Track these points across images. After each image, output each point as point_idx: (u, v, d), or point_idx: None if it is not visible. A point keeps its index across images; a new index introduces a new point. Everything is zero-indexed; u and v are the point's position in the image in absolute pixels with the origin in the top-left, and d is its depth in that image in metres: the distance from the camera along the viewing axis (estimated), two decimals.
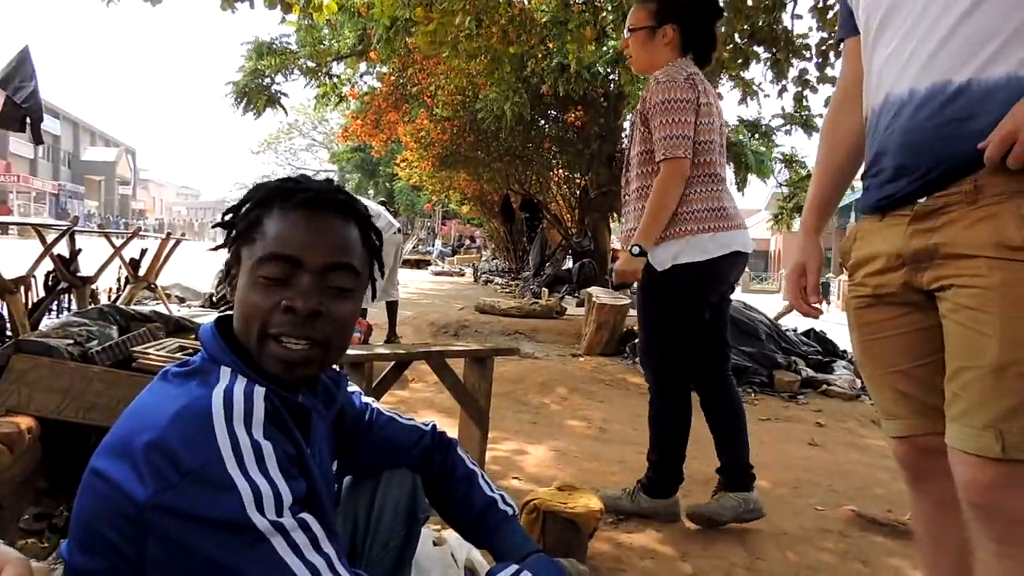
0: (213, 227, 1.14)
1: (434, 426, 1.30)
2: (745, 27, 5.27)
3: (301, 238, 0.93)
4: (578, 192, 13.12)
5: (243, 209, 0.99)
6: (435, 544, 1.80)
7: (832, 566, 2.21)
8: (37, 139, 6.08)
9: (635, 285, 2.51)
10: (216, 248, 1.04)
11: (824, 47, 5.49)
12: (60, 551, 0.95)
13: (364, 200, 5.54)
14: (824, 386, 5.28)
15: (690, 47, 2.31)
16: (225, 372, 0.91)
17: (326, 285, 0.94)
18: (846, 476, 3.21)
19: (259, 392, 0.89)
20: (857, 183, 1.40)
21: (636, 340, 6.21)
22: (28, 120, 5.67)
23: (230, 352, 0.93)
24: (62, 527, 2.04)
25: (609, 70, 8.40)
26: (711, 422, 2.44)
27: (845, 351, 5.99)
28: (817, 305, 1.41)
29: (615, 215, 14.21)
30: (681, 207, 2.23)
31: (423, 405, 4.05)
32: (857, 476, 3.20)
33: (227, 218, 1.01)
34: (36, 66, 5.72)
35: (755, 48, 5.57)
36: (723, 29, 5.36)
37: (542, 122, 11.77)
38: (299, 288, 0.92)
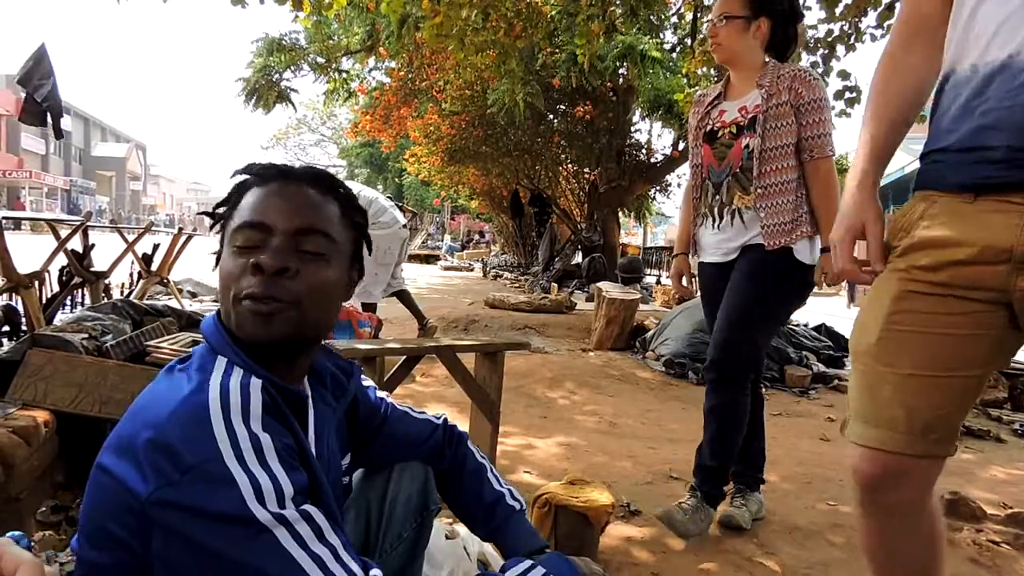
0: (200, 214, 1.15)
1: (445, 419, 1.30)
2: None
3: (273, 205, 0.94)
4: (587, 187, 13.10)
5: (229, 200, 1.00)
6: (448, 537, 1.81)
7: (844, 561, 2.20)
8: (58, 134, 6.15)
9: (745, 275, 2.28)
10: (211, 227, 1.04)
11: (831, 39, 5.46)
12: (71, 544, 0.96)
13: (374, 192, 5.49)
14: (835, 381, 5.26)
15: (772, 45, 2.30)
16: (221, 363, 0.91)
17: (298, 248, 0.93)
18: None
19: (256, 384, 0.89)
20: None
21: (646, 335, 6.23)
22: (49, 116, 5.75)
23: (230, 343, 0.93)
24: (78, 519, 2.06)
25: (618, 64, 8.36)
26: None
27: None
28: (880, 269, 1.17)
29: (624, 210, 14.21)
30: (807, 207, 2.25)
31: (434, 399, 4.06)
32: None
33: (218, 211, 1.01)
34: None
35: None
36: None
37: (551, 116, 11.76)
38: (270, 251, 0.92)
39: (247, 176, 0.99)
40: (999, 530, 2.46)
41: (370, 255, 1.08)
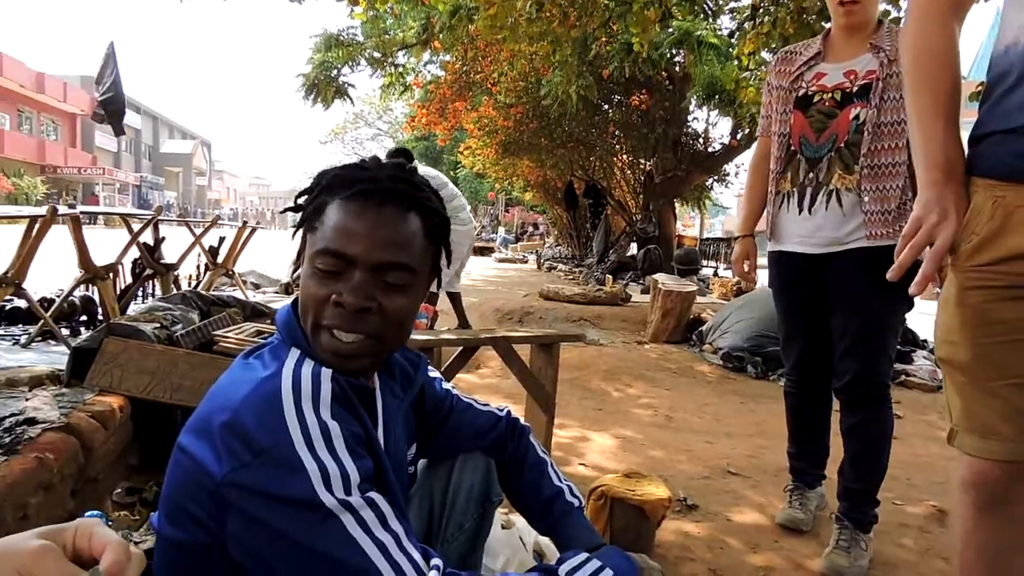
0: (283, 211, 1.17)
1: (508, 412, 1.31)
2: (817, 2, 5.08)
3: (356, 234, 0.93)
4: (642, 177, 12.93)
5: (311, 194, 1.00)
6: (504, 527, 1.82)
7: (911, 563, 2.13)
8: (118, 130, 6.40)
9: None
10: (293, 234, 1.05)
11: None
12: (151, 521, 1.01)
13: (452, 188, 5.50)
14: (903, 377, 5.08)
15: None
16: (294, 354, 0.94)
17: (380, 280, 0.94)
18: (925, 470, 3.09)
19: (326, 374, 0.92)
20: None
21: (703, 328, 6.13)
22: (111, 113, 6.00)
23: (301, 334, 0.97)
24: (151, 501, 2.15)
25: (674, 51, 8.20)
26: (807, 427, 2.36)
27: (926, 341, 5.73)
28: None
29: (681, 200, 13.97)
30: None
31: (489, 390, 4.09)
32: (937, 470, 3.07)
33: (298, 202, 1.03)
34: (120, 63, 6.04)
35: (824, 24, 5.36)
36: (792, 5, 5.18)
37: (605, 106, 11.64)
38: (350, 283, 0.93)
39: (329, 179, 0.99)
40: None
41: (448, 264, 1.09)
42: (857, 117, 1.99)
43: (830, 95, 2.04)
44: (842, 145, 2.02)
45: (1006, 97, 1.01)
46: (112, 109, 6.05)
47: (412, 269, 0.96)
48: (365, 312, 0.93)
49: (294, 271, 1.05)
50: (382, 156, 1.16)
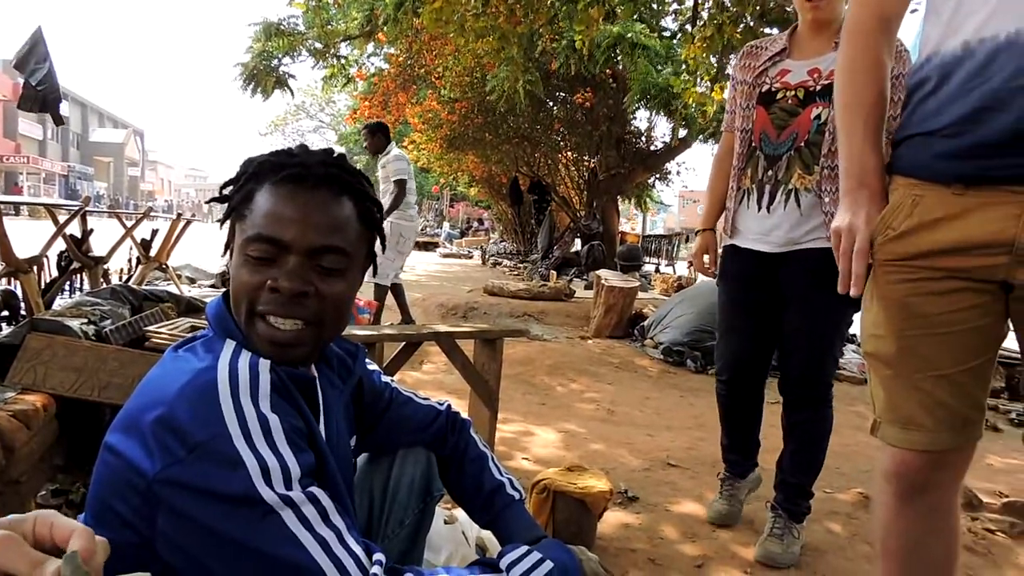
0: (208, 202, 1.13)
1: (449, 406, 1.31)
2: (756, 8, 5.21)
3: (288, 219, 0.91)
4: (587, 174, 13.07)
5: (237, 183, 0.97)
6: (446, 522, 1.81)
7: (840, 547, 2.22)
8: (57, 120, 6.10)
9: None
10: (221, 224, 1.01)
11: None
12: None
13: (403, 177, 5.44)
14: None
15: None
16: (230, 345, 0.91)
17: (315, 265, 0.92)
18: (853, 458, 3.22)
19: (264, 364, 0.89)
20: None
21: (644, 323, 6.24)
22: (46, 101, 5.71)
23: (235, 326, 0.94)
24: (78, 502, 2.07)
25: (611, 52, 8.29)
26: (748, 420, 2.34)
27: (854, 336, 5.96)
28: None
29: (624, 197, 14.18)
30: None
31: (433, 386, 4.07)
32: (864, 458, 3.21)
33: (224, 192, 0.99)
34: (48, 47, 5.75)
35: (765, 30, 5.51)
36: (734, 10, 5.31)
37: (551, 103, 11.71)
38: (285, 268, 0.90)
39: (257, 166, 0.96)
40: (995, 518, 2.48)
41: (383, 248, 1.08)
42: (819, 117, 1.97)
43: (793, 93, 2.01)
44: (802, 144, 1.99)
45: (924, 103, 1.06)
46: (50, 98, 5.75)
47: (347, 253, 0.94)
48: (302, 297, 0.91)
49: (226, 263, 1.01)
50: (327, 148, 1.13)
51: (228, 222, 0.98)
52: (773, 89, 2.04)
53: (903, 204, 1.09)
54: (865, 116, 1.14)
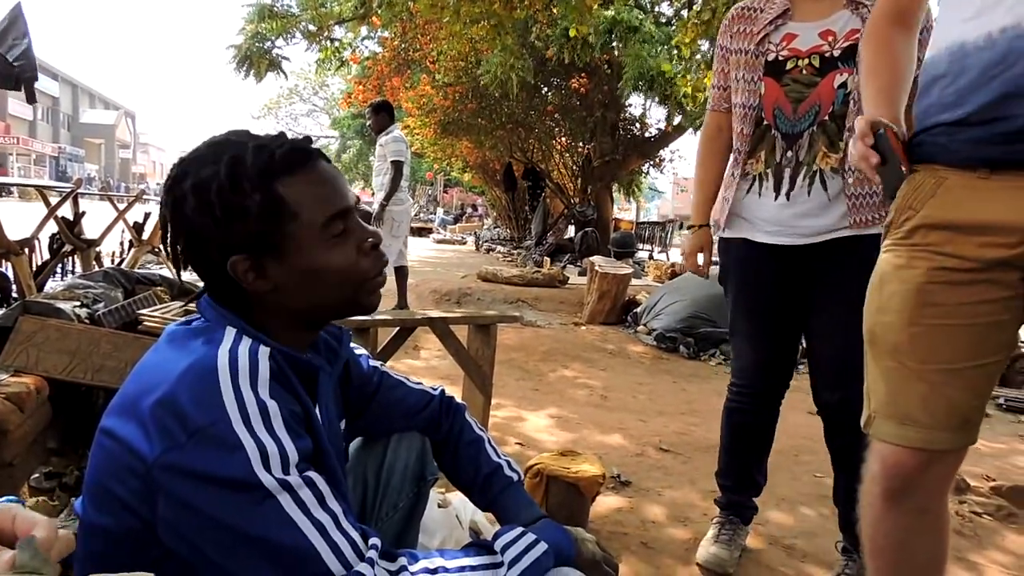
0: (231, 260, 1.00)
1: (442, 391, 1.31)
2: None
3: (332, 190, 0.95)
4: (581, 161, 13.04)
5: (248, 194, 0.89)
6: (440, 506, 1.83)
7: (829, 530, 2.24)
8: (30, 98, 6.01)
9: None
10: (252, 247, 0.91)
11: None
12: (74, 507, 0.96)
13: (400, 159, 5.44)
14: None
15: None
16: (230, 332, 0.91)
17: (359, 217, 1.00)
18: None
19: (264, 352, 0.89)
20: None
21: (637, 309, 6.26)
22: (21, 78, 5.62)
23: (232, 315, 0.93)
24: (72, 485, 2.07)
25: (608, 38, 8.24)
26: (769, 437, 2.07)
27: None
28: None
29: (618, 184, 14.16)
30: None
31: (427, 372, 4.08)
32: None
33: (208, 213, 0.89)
34: (32, 25, 5.65)
35: None
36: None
37: (545, 89, 11.65)
38: (359, 229, 0.97)
39: (262, 166, 0.90)
40: (982, 502, 2.51)
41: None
42: (844, 85, 1.71)
43: (806, 60, 1.74)
44: (826, 118, 1.72)
45: (943, 93, 1.06)
46: (27, 76, 5.66)
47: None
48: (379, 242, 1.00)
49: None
50: (318, 132, 1.15)
51: (246, 236, 0.90)
52: (781, 58, 1.76)
53: (925, 184, 1.08)
54: (887, 91, 1.15)
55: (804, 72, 1.74)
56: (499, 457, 1.25)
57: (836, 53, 1.71)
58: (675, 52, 6.59)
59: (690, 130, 10.44)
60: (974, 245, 1.03)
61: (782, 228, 1.79)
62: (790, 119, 1.76)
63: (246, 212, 0.89)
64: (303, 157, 0.93)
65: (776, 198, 1.78)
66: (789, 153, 1.77)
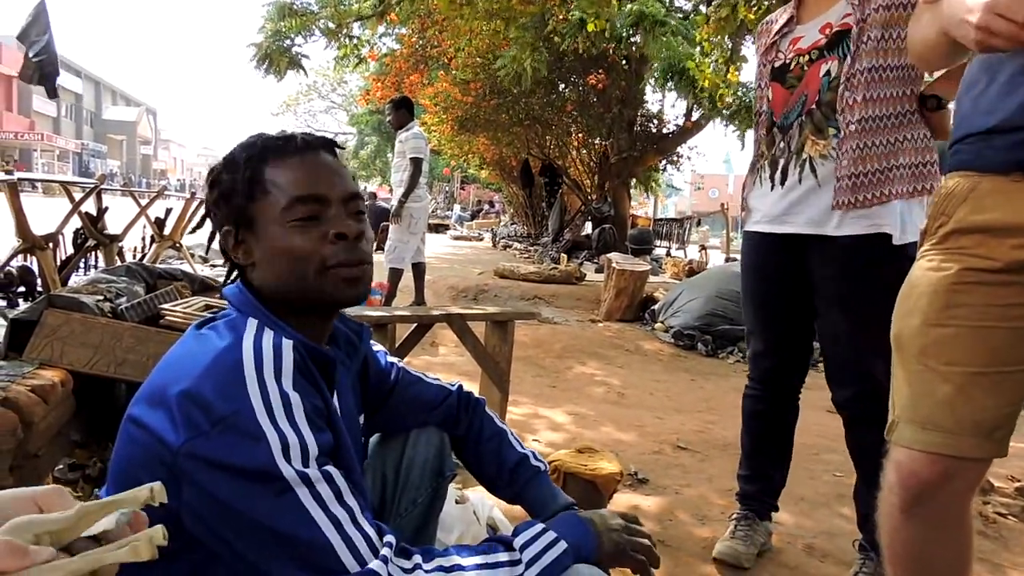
0: (204, 217, 1.14)
1: (460, 386, 1.31)
2: None
3: (318, 176, 0.96)
4: (598, 157, 12.99)
5: (240, 171, 0.97)
6: (458, 502, 1.83)
7: (849, 532, 2.22)
8: (51, 93, 6.09)
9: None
10: (215, 213, 1.01)
11: None
12: (98, 497, 0.98)
13: (419, 156, 5.50)
14: None
15: None
16: (252, 324, 0.93)
17: (349, 211, 0.98)
18: None
19: (287, 344, 0.91)
20: None
21: (655, 306, 6.23)
22: (42, 73, 5.69)
23: (258, 306, 0.95)
24: (95, 477, 2.10)
25: (631, 32, 8.18)
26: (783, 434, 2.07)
27: None
28: None
29: (635, 180, 14.09)
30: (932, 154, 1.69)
31: (444, 368, 4.09)
32: None
33: (222, 176, 0.99)
34: (56, 23, 5.73)
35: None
36: None
37: (562, 86, 11.61)
38: (336, 219, 0.95)
39: (251, 152, 0.97)
40: (1006, 502, 2.48)
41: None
42: (828, 73, 1.72)
43: (807, 56, 1.77)
44: (813, 106, 1.75)
45: (976, 102, 1.06)
46: (47, 71, 5.73)
47: (363, 198, 1.03)
48: (360, 238, 0.98)
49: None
50: (336, 129, 1.16)
51: (234, 213, 0.97)
52: (787, 61, 1.82)
53: (959, 188, 1.08)
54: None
55: (804, 68, 1.79)
56: (523, 448, 1.25)
57: (824, 43, 1.74)
58: (698, 48, 6.52)
59: (708, 126, 10.36)
60: (1007, 247, 1.01)
61: (777, 217, 1.84)
62: (783, 112, 1.83)
63: (234, 186, 0.97)
64: (299, 145, 0.98)
65: (771, 188, 1.84)
66: (782, 144, 1.82)
